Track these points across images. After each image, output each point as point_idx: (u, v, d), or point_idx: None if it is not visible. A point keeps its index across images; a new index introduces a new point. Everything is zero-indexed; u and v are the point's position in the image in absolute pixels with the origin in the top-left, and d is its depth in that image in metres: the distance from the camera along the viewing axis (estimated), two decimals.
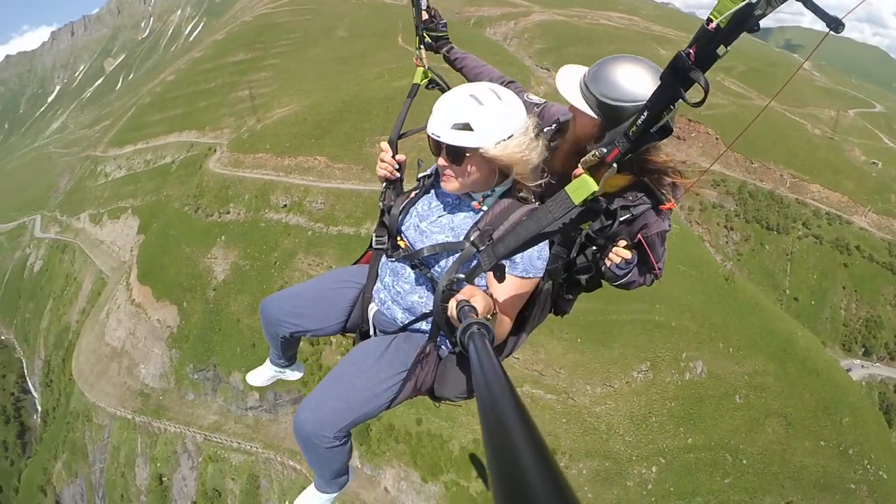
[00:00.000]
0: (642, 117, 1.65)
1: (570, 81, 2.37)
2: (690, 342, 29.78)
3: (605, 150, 1.81)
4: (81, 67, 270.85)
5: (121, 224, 59.03)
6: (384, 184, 2.79)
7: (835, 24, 1.35)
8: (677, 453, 27.01)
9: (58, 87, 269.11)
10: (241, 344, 34.30)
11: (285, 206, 40.62)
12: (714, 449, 27.13)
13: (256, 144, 47.86)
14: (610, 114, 2.27)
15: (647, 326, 30.13)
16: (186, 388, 35.81)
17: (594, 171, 1.87)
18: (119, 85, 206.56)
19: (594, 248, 2.59)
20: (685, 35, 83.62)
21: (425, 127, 2.77)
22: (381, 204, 2.79)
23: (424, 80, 3.21)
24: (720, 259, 43.79)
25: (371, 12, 79.37)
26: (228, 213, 42.18)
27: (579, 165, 1.96)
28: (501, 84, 2.61)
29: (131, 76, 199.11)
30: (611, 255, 2.42)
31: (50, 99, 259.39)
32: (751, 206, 50.24)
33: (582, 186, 1.85)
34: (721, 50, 1.41)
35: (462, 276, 2.14)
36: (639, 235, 2.46)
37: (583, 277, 2.71)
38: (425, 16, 3.28)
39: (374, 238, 2.75)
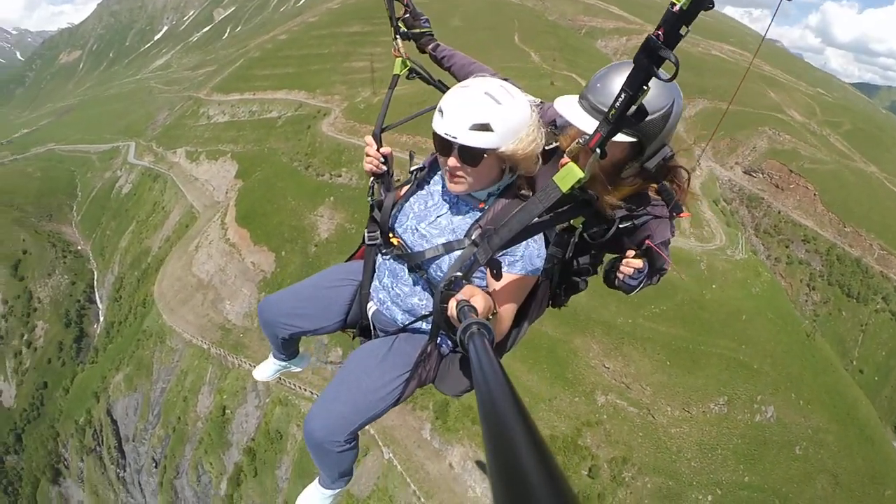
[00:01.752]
0: (620, 99, 1.72)
1: (574, 110, 2.31)
2: (766, 387, 30.84)
3: (588, 137, 1.89)
4: (191, 13, 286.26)
5: (218, 166, 61.92)
6: (371, 178, 2.81)
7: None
8: (733, 488, 28.03)
9: (165, 28, 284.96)
10: None
11: (398, 181, 41.54)
12: (767, 492, 28.05)
13: (371, 116, 49.17)
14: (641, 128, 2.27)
15: (730, 363, 31.22)
16: None
17: (579, 159, 1.93)
18: (226, 35, 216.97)
19: (592, 251, 2.65)
20: (793, 79, 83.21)
21: (411, 118, 3.11)
22: (369, 199, 2.80)
23: (404, 71, 3.22)
24: (798, 314, 43.30)
25: (486, 6, 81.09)
26: (340, 176, 43.66)
27: (565, 155, 2.16)
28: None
29: (238, 29, 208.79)
30: (622, 267, 2.45)
31: (157, 37, 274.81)
32: (836, 269, 49.77)
33: (568, 174, 1.90)
34: (683, 30, 1.55)
35: (460, 274, 2.11)
36: (647, 242, 2.46)
37: (581, 280, 2.78)
38: (401, 9, 3.27)
39: (366, 234, 2.77)
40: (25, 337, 63.90)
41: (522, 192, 2.40)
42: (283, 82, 72.89)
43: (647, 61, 1.62)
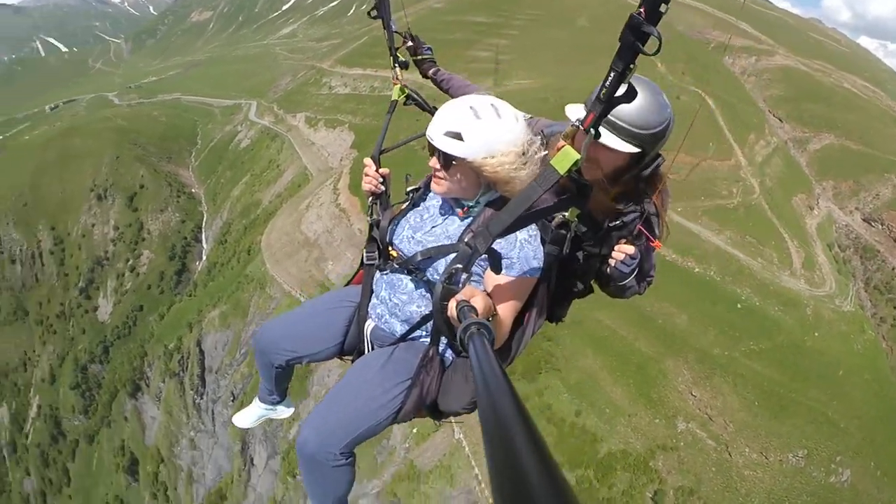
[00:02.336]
0: (610, 77, 1.79)
1: (579, 109, 2.43)
2: (848, 448, 29.53)
3: (581, 119, 1.97)
4: None
5: (335, 134, 65.07)
6: (370, 198, 2.92)
7: None
8: None
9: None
10: None
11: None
12: None
13: None
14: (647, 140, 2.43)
15: (817, 417, 30.21)
16: None
17: (574, 141, 2.08)
18: (351, 11, 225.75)
19: (586, 252, 2.71)
20: None
21: (408, 141, 3.34)
22: (368, 219, 2.89)
23: (402, 97, 3.46)
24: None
25: (614, 8, 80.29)
26: None
27: (561, 139, 2.20)
28: None
29: (364, 6, 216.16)
30: (613, 253, 2.53)
31: (284, 7, 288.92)
32: None
33: (565, 156, 1.95)
34: (663, 7, 1.67)
35: (460, 266, 2.08)
36: (639, 227, 2.57)
37: (579, 282, 2.83)
38: (401, 40, 3.62)
39: (364, 254, 2.83)
40: (130, 262, 69.97)
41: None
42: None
43: (633, 38, 1.70)
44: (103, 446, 57.05)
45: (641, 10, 1.64)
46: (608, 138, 2.40)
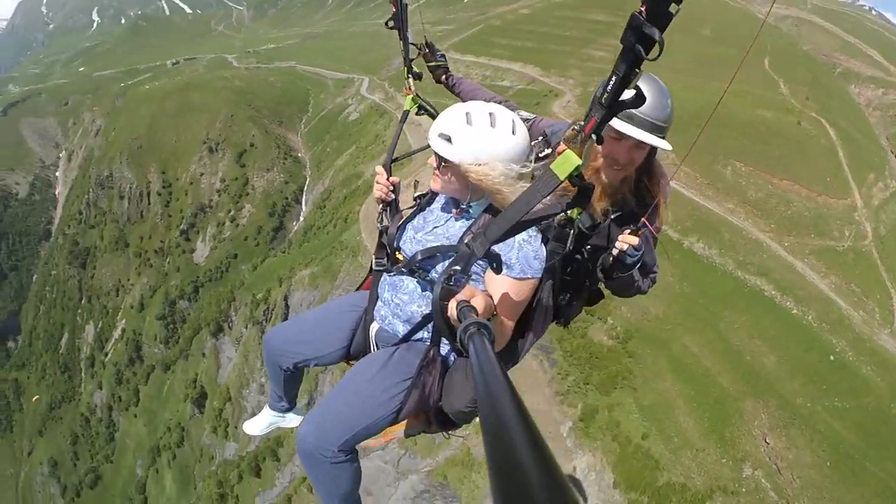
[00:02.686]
0: (612, 81, 1.71)
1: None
2: None
3: (582, 124, 1.93)
4: None
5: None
6: (380, 205, 3.05)
7: None
8: None
9: None
10: None
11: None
12: None
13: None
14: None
15: (887, 493, 28.09)
16: None
17: (575, 145, 1.96)
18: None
19: (589, 247, 2.71)
20: None
21: (419, 150, 3.23)
22: (378, 225, 2.98)
23: (414, 107, 3.59)
24: None
25: (738, 20, 76.96)
26: None
27: (561, 142, 2.07)
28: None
29: None
30: (618, 244, 2.49)
31: None
32: None
33: (565, 161, 1.91)
34: (674, 8, 1.50)
35: (459, 268, 2.07)
36: (643, 220, 2.53)
37: (587, 280, 2.81)
38: (416, 51, 3.66)
39: (374, 260, 2.87)
40: (231, 213, 74.57)
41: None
42: (518, 54, 76.07)
43: (634, 41, 1.60)
44: (177, 376, 61.07)
45: (643, 8, 1.53)
46: (654, 140, 2.47)
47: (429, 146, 2.57)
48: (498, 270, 2.18)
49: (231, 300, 56.52)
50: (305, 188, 77.37)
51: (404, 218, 2.87)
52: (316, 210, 63.97)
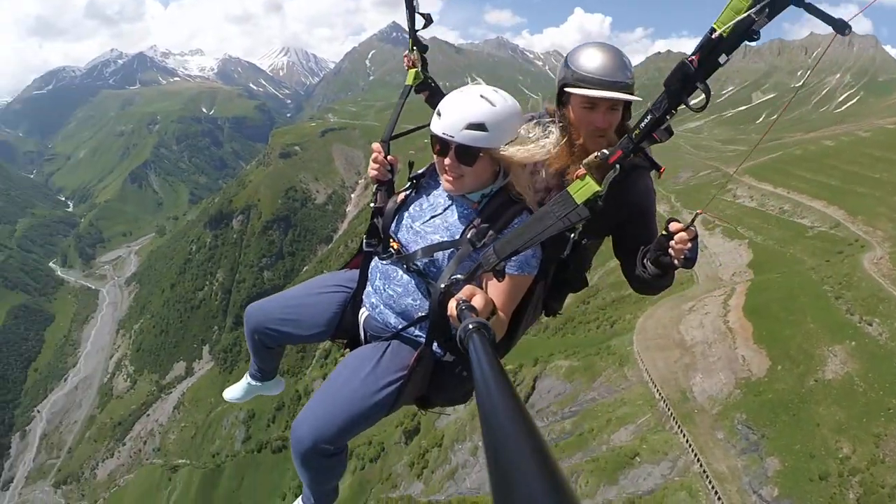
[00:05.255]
0: (646, 120, 1.79)
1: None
2: None
3: (607, 153, 1.93)
4: (730, 89, 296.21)
5: (732, 245, 62.76)
6: (376, 185, 2.79)
7: (841, 27, 1.53)
8: None
9: (701, 96, 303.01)
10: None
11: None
12: None
13: None
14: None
15: None
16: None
17: (596, 172, 1.95)
18: (760, 119, 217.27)
19: (584, 240, 2.57)
20: None
21: (418, 128, 2.97)
22: (372, 205, 2.76)
23: (416, 82, 3.23)
24: None
25: None
26: (871, 325, 38.36)
27: (582, 166, 2.03)
28: None
29: (773, 116, 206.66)
30: (674, 245, 2.16)
31: (691, 102, 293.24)
32: None
33: (585, 187, 1.95)
34: (723, 59, 1.56)
35: (461, 276, 2.12)
36: (700, 211, 2.36)
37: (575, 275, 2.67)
38: (421, 21, 3.22)
39: (364, 241, 2.73)
40: None
41: (513, 193, 2.36)
42: (821, 192, 69.30)
43: (680, 87, 1.62)
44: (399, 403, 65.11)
45: (694, 58, 1.56)
46: (625, 96, 2.35)
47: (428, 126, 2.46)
48: (500, 279, 2.17)
49: None
50: None
51: (399, 201, 2.67)
52: (577, 304, 63.97)
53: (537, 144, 2.28)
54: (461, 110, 2.23)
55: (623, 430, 39.15)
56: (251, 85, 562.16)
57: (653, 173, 2.54)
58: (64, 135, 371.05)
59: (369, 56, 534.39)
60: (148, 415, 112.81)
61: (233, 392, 3.51)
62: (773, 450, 31.80)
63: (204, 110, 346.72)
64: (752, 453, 32.81)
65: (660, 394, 39.03)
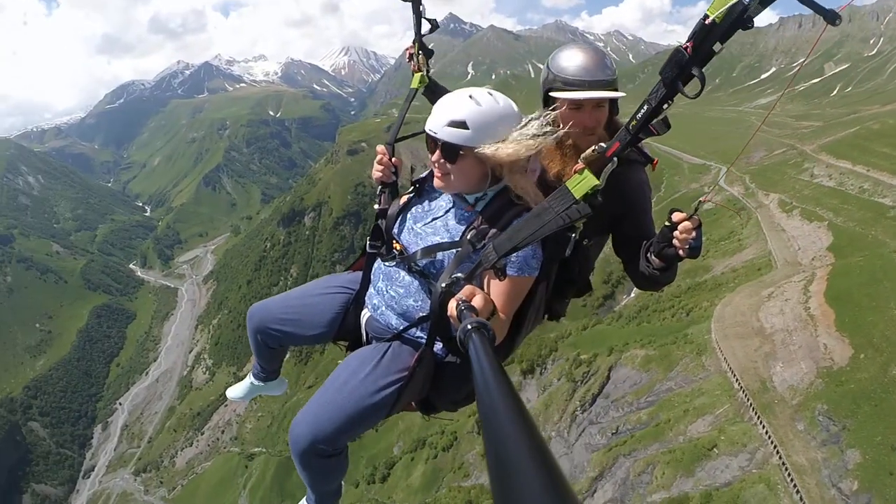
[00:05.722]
0: (642, 111, 1.79)
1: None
2: None
3: (604, 146, 1.94)
4: (800, 59, 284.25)
5: (811, 228, 60.21)
6: (380, 187, 2.85)
7: (831, 17, 1.54)
8: None
9: (773, 69, 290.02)
10: None
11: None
12: None
13: None
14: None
15: None
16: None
17: (594, 165, 1.97)
18: (834, 92, 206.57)
19: (585, 240, 2.54)
20: None
21: (423, 130, 2.76)
22: (376, 207, 2.82)
23: (422, 86, 3.33)
24: None
25: None
26: None
27: (580, 160, 2.05)
28: None
29: (849, 89, 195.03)
30: (680, 235, 2.17)
31: (763, 76, 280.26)
32: None
33: (583, 181, 1.96)
34: (717, 46, 1.58)
35: (461, 275, 2.11)
36: (703, 199, 2.58)
37: (578, 277, 2.61)
38: (427, 24, 3.29)
39: (367, 242, 2.76)
40: None
41: (515, 196, 2.35)
42: None
43: (674, 75, 1.62)
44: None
45: (688, 45, 1.57)
46: (611, 94, 2.43)
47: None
48: (501, 278, 2.20)
49: (554, 349, 58.62)
50: None
51: (403, 203, 2.72)
52: (651, 293, 62.77)
53: (518, 141, 2.25)
54: (446, 108, 2.28)
55: (700, 421, 38.77)
56: (315, 86, 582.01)
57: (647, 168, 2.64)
58: (138, 144, 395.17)
59: (429, 46, 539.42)
60: (226, 405, 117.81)
61: (236, 391, 3.58)
62: (854, 442, 30.99)
63: (271, 113, 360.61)
64: (833, 445, 32.04)
65: (739, 383, 38.39)
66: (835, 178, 70.82)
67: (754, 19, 1.53)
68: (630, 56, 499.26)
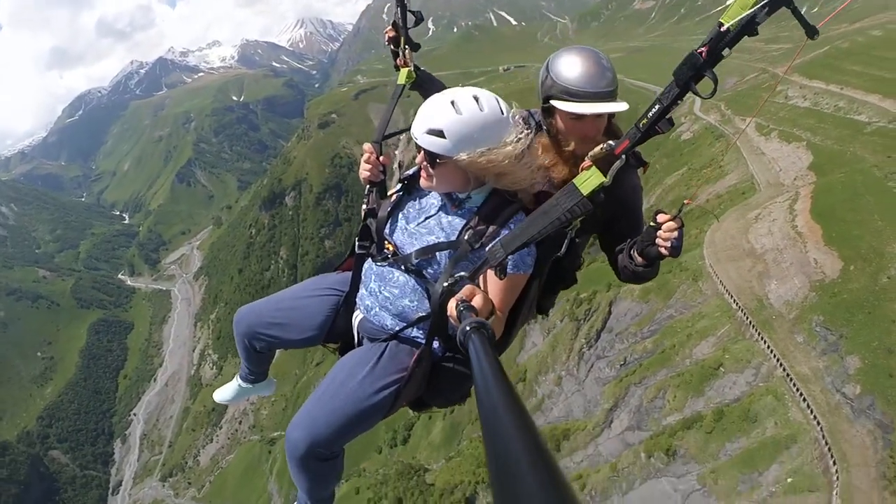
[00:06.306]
0: (654, 109, 1.85)
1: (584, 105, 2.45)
2: None
3: (613, 144, 1.98)
4: None
5: (789, 149, 61.44)
6: (367, 186, 2.80)
7: (811, 32, 1.70)
8: None
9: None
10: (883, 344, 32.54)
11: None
12: None
13: None
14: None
15: None
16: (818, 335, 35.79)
17: (602, 163, 2.00)
18: (803, 10, 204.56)
19: (579, 241, 2.53)
20: None
21: (409, 128, 2.74)
22: (364, 207, 2.78)
23: (409, 82, 3.23)
24: None
25: None
26: None
27: (587, 158, 2.07)
28: None
29: (816, 10, 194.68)
30: (661, 235, 2.25)
31: (729, 2, 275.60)
32: None
33: (591, 178, 1.98)
34: (726, 51, 1.70)
35: (465, 273, 2.09)
36: (687, 201, 2.42)
37: (568, 273, 2.63)
38: (411, 19, 3.22)
39: (356, 243, 2.72)
40: None
41: (509, 193, 2.39)
42: (876, 85, 66.15)
43: (688, 77, 1.75)
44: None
45: (703, 49, 1.76)
46: (612, 107, 2.41)
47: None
48: (502, 275, 2.24)
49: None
50: None
51: (393, 202, 2.72)
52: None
53: (498, 150, 2.25)
54: (427, 115, 2.27)
55: (704, 343, 40.75)
56: (274, 63, 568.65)
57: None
58: (104, 153, 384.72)
59: (385, 10, 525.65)
60: None
61: (223, 393, 3.47)
62: (852, 348, 32.87)
63: (234, 98, 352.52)
64: (832, 354, 33.94)
65: (736, 304, 40.24)
66: (809, 99, 71.72)
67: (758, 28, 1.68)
68: None
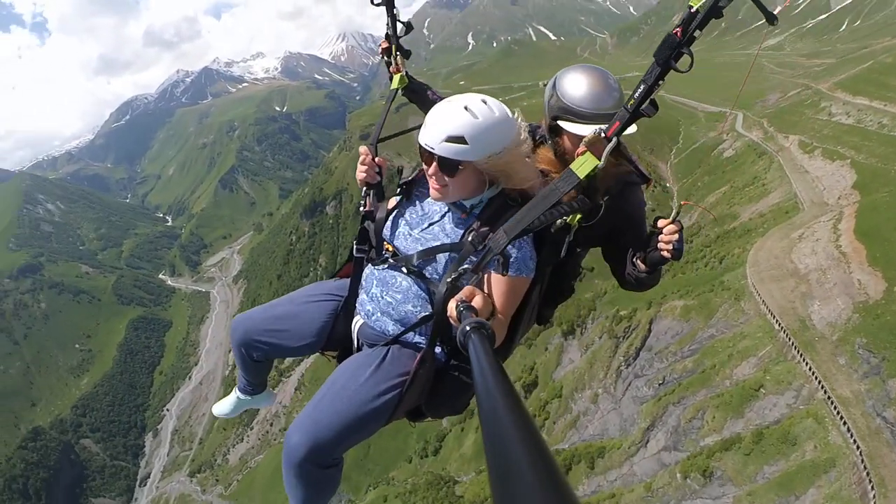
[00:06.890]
0: (640, 90, 1.92)
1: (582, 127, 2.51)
2: None
3: (604, 128, 2.04)
4: None
5: (833, 167, 60.25)
6: (364, 188, 2.81)
7: (770, 18, 1.81)
8: None
9: (778, 7, 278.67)
10: None
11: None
12: None
13: None
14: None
15: None
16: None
17: (595, 148, 2.08)
18: (843, 28, 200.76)
19: (578, 249, 2.61)
20: None
21: (406, 132, 2.95)
22: (361, 210, 2.78)
23: (402, 86, 3.32)
24: None
25: None
26: None
27: (582, 144, 2.14)
28: None
29: (857, 23, 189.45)
30: (663, 238, 2.32)
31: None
32: None
33: (586, 162, 2.05)
34: (697, 32, 1.82)
35: (468, 266, 2.12)
36: (683, 202, 2.51)
37: (568, 282, 2.68)
38: (401, 28, 3.32)
39: (354, 247, 2.71)
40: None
41: (511, 198, 2.38)
42: None
43: (667, 56, 1.83)
44: (515, 359, 65.74)
45: (678, 29, 1.86)
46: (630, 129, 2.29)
47: (416, 128, 2.50)
48: (505, 269, 2.25)
49: (592, 309, 59.80)
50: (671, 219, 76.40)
51: (392, 206, 2.71)
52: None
53: (517, 148, 2.33)
54: (443, 122, 2.24)
55: (745, 364, 40.06)
56: (316, 76, 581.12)
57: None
58: (150, 157, 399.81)
59: (426, 24, 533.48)
60: None
61: (222, 407, 3.41)
62: (895, 372, 32.14)
63: (277, 108, 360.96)
64: (874, 376, 33.17)
65: (779, 324, 39.54)
66: (853, 116, 70.24)
67: (723, 10, 1.84)
68: (631, 8, 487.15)
